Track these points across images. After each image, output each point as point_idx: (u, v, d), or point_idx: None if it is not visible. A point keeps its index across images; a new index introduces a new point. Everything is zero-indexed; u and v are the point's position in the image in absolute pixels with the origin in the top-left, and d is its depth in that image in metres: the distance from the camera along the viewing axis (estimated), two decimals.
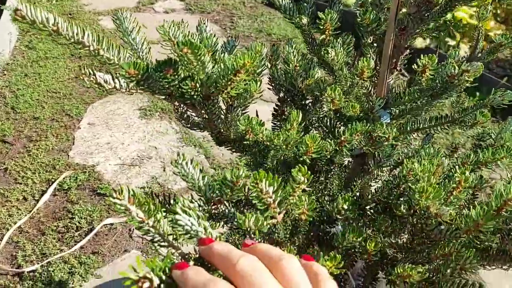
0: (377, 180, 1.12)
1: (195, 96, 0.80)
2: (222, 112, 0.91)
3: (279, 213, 0.74)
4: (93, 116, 2.83)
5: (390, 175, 1.14)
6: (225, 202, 0.81)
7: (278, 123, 1.02)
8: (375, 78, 1.14)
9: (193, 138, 2.69)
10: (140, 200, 0.61)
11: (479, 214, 0.72)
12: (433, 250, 0.81)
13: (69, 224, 2.07)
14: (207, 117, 0.90)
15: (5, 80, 3.09)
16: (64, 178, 2.31)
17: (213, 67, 0.87)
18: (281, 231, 0.88)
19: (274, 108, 1.04)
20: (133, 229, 2.05)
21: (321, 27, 0.92)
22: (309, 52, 1.01)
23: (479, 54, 1.04)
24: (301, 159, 0.86)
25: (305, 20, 0.94)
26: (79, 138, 2.64)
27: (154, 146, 2.59)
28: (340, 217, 0.92)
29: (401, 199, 0.88)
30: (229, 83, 0.80)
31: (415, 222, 0.83)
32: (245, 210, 0.92)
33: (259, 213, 0.72)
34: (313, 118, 1.00)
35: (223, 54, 0.94)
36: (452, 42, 3.14)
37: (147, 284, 0.44)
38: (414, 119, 1.08)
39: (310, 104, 0.98)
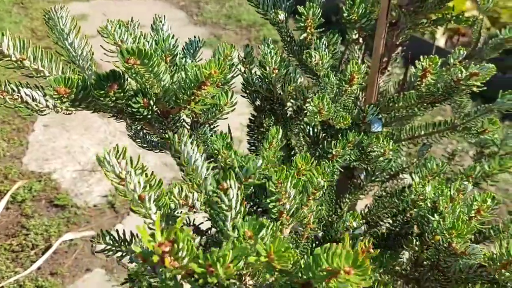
0: (365, 193, 0.99)
1: (149, 115, 0.64)
2: (186, 130, 0.75)
3: (288, 225, 0.63)
4: (48, 116, 2.60)
5: (382, 188, 1.01)
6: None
7: (255, 135, 0.86)
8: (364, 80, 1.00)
9: None
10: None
11: None
12: None
13: (24, 241, 1.86)
14: (167, 136, 0.74)
15: None
16: (17, 189, 2.09)
17: (172, 77, 0.71)
18: None
19: (249, 118, 0.88)
20: (95, 245, 1.87)
21: (302, 24, 0.76)
22: (287, 53, 0.85)
23: (481, 51, 0.90)
24: None
25: (282, 16, 0.78)
26: (34, 142, 2.41)
27: None
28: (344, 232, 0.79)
29: (409, 227, 0.75)
30: (192, 97, 0.64)
31: (427, 258, 0.70)
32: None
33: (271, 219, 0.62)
34: (295, 129, 0.85)
35: (184, 59, 0.78)
36: None
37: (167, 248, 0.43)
38: (409, 126, 0.95)
39: (291, 113, 0.83)
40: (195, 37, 0.84)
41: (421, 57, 0.74)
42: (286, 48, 0.85)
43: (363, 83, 0.89)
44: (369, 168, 0.88)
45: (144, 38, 0.75)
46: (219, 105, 0.70)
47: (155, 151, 0.81)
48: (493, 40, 0.88)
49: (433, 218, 0.65)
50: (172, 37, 0.75)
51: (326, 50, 0.77)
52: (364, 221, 0.94)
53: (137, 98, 0.62)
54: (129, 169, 0.55)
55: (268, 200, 0.60)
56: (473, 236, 0.78)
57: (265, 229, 0.52)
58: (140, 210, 0.55)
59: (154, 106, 0.64)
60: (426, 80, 0.74)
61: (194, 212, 0.59)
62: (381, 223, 0.91)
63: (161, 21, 0.81)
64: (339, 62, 0.98)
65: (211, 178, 0.55)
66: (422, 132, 0.94)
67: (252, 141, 0.86)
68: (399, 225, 0.77)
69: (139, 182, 0.54)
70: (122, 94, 0.59)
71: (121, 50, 0.55)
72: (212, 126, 0.76)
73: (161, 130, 0.71)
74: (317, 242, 0.80)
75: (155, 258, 0.44)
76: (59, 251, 1.84)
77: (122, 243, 0.80)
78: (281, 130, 0.69)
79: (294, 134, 0.92)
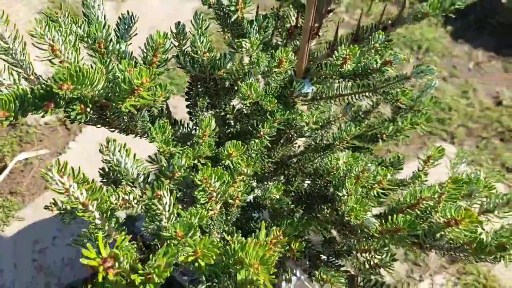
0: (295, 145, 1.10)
1: (86, 119, 0.69)
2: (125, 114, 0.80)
3: (217, 204, 0.74)
4: None
5: (312, 138, 1.12)
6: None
7: (193, 108, 0.92)
8: (297, 42, 1.04)
9: None
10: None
11: (400, 221, 0.73)
12: (353, 245, 0.84)
13: None
14: (106, 119, 0.79)
15: None
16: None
17: (107, 68, 0.74)
18: (216, 222, 0.85)
19: (187, 87, 0.93)
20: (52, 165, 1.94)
21: (233, 8, 0.79)
22: (222, 28, 0.88)
23: (406, 18, 0.96)
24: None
25: None
26: None
27: None
28: (270, 205, 0.91)
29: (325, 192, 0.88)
30: (127, 100, 0.69)
31: (336, 219, 0.84)
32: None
33: (199, 206, 0.72)
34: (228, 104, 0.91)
35: (118, 44, 0.79)
36: None
37: (110, 263, 0.51)
38: (337, 85, 1.03)
39: (224, 91, 0.89)
40: (128, 12, 0.84)
41: (342, 45, 0.79)
42: (220, 23, 0.88)
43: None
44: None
45: (77, 26, 0.76)
46: (155, 96, 0.75)
47: (98, 127, 0.86)
48: (415, 9, 0.94)
49: (340, 194, 0.77)
50: (104, 26, 0.76)
51: (257, 35, 0.80)
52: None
53: (74, 106, 0.66)
54: (71, 182, 0.62)
55: (196, 192, 0.70)
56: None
57: (194, 229, 0.63)
58: (85, 215, 0.63)
59: (91, 110, 0.68)
60: (346, 66, 0.81)
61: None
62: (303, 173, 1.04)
63: (92, 5, 0.81)
64: (276, 22, 1.01)
65: (148, 188, 0.63)
66: (348, 91, 1.03)
67: (191, 111, 0.93)
68: (317, 187, 0.90)
69: (81, 193, 0.62)
70: (58, 108, 0.63)
71: (54, 76, 0.58)
72: (150, 108, 0.82)
73: (101, 121, 0.76)
74: (246, 204, 0.92)
75: (101, 273, 0.54)
76: (16, 171, 1.91)
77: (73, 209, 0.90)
78: (213, 120, 0.76)
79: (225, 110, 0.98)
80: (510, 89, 2.54)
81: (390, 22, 0.97)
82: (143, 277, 0.56)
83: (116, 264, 0.54)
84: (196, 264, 0.63)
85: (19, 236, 1.73)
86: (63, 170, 0.62)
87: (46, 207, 0.90)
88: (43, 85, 0.62)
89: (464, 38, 2.84)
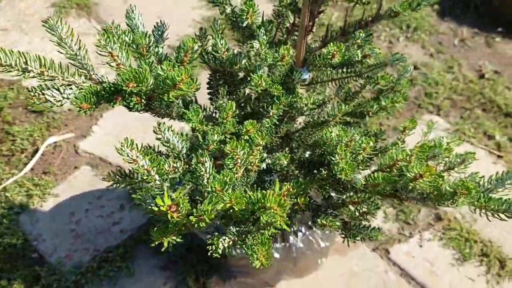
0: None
1: (141, 108, 0.91)
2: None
3: (241, 168, 0.96)
4: (3, 19, 2.64)
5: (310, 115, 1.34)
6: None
7: (214, 94, 1.14)
8: (295, 37, 1.25)
9: None
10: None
11: (379, 177, 0.96)
12: (346, 199, 1.08)
13: (13, 147, 2.14)
14: (152, 107, 1.01)
15: None
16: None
17: (150, 68, 0.95)
18: (239, 182, 1.08)
19: (208, 78, 1.15)
20: (78, 145, 2.17)
21: (244, 18, 1.00)
22: (235, 29, 1.09)
23: (383, 15, 1.17)
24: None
25: (228, 9, 1.01)
26: None
27: None
28: (279, 170, 1.15)
29: (322, 159, 1.11)
30: (169, 92, 0.91)
31: (331, 178, 1.07)
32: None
33: (228, 170, 0.94)
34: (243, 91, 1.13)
35: (156, 48, 1.01)
36: None
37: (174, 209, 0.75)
38: (330, 71, 1.25)
39: (239, 80, 1.11)
40: (160, 21, 1.06)
41: (331, 43, 1.01)
42: (233, 26, 1.09)
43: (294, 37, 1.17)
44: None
45: (125, 35, 0.97)
46: (188, 89, 0.97)
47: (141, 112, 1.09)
48: (389, 10, 1.15)
49: (334, 158, 1.00)
50: (146, 34, 0.98)
51: (264, 36, 1.02)
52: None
53: (132, 98, 0.88)
54: (138, 154, 0.85)
55: (226, 159, 0.93)
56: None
57: (228, 185, 0.86)
58: (149, 178, 0.86)
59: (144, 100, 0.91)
60: (335, 59, 1.03)
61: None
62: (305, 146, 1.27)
63: (132, 11, 1.02)
64: (277, 21, 1.22)
65: (194, 156, 0.86)
66: (338, 76, 1.25)
67: (211, 97, 1.15)
68: (317, 155, 1.13)
69: (145, 162, 0.85)
70: (123, 101, 0.86)
71: (122, 77, 0.80)
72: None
73: (147, 108, 0.99)
74: (261, 170, 1.15)
75: (169, 214, 0.78)
76: (47, 153, 2.14)
77: (125, 178, 1.13)
78: (234, 105, 0.99)
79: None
80: (492, 62, 2.75)
81: (370, 19, 1.19)
82: (197, 218, 0.80)
83: (178, 209, 0.77)
84: (231, 210, 0.87)
85: (56, 210, 1.96)
86: (131, 145, 0.84)
87: (103, 179, 1.14)
88: (112, 84, 0.84)
89: (451, 16, 3.04)
